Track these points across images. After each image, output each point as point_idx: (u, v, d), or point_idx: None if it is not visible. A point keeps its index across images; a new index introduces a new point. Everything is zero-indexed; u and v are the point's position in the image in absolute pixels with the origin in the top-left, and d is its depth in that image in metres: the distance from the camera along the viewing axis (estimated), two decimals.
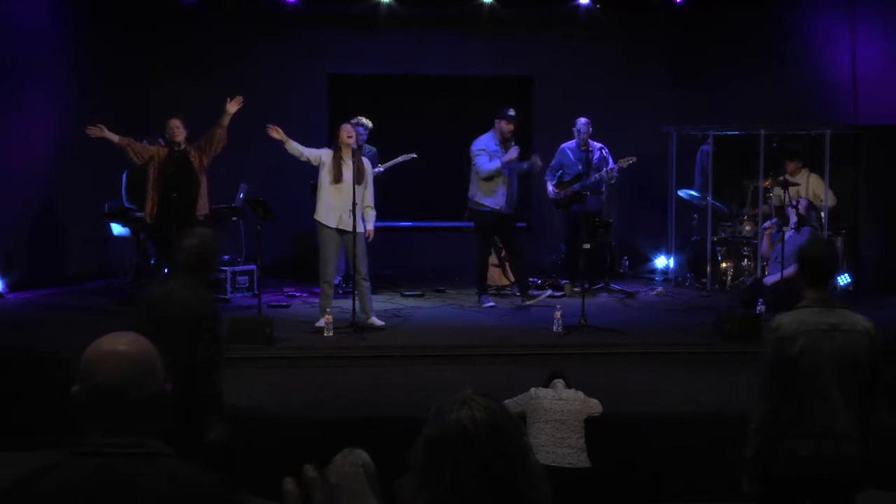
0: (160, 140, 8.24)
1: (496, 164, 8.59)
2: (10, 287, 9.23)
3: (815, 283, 3.88)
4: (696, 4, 10.97)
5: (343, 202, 7.69)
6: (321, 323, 7.62)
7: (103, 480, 1.95)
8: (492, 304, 8.89)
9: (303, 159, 7.92)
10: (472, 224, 9.04)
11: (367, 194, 7.93)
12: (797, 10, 10.75)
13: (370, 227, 7.92)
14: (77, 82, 10.10)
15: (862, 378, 3.78)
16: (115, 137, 7.97)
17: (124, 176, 9.12)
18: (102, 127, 7.96)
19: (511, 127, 8.69)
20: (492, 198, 8.69)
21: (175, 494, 1.97)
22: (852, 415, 3.75)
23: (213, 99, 9.44)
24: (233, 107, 8.03)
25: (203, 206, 8.17)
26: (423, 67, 11.38)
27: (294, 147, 7.86)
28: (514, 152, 8.62)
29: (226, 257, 9.64)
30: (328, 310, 7.71)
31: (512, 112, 8.74)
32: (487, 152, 8.65)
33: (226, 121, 8.05)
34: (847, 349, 3.76)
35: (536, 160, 8.95)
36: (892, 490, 5.45)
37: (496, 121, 8.75)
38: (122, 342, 2.07)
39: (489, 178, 8.65)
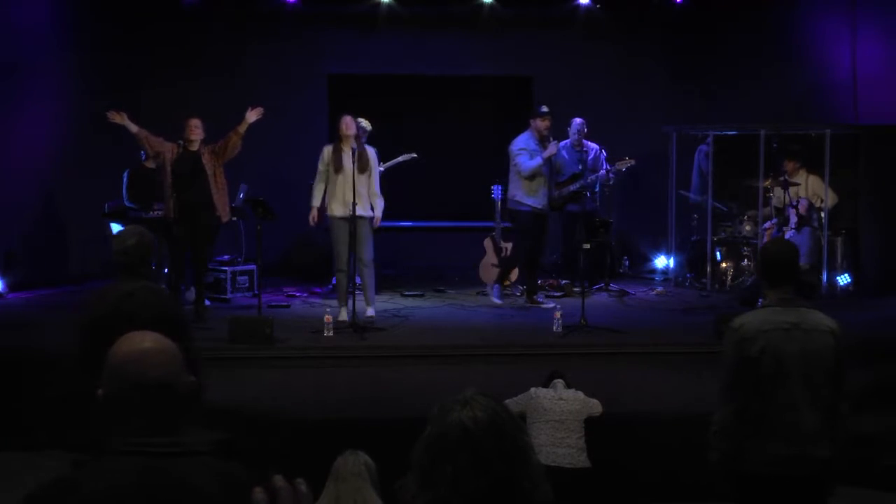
0: (180, 141, 8.19)
1: (538, 161, 8.57)
2: (10, 287, 9.24)
3: (777, 283, 3.86)
4: (696, 4, 10.97)
5: (344, 191, 7.77)
6: (343, 316, 7.79)
7: (153, 482, 1.95)
8: (552, 304, 8.59)
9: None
10: (509, 224, 9.01)
11: (372, 183, 8.00)
12: (797, 10, 10.75)
13: (378, 213, 8.00)
14: (77, 82, 10.10)
15: (827, 377, 3.75)
16: (133, 127, 7.98)
17: (125, 175, 9.11)
18: (124, 114, 7.96)
19: (547, 123, 8.69)
20: (534, 197, 8.68)
21: (225, 492, 1.97)
22: (818, 414, 3.73)
23: (214, 99, 9.48)
24: (252, 116, 8.09)
25: (224, 213, 8.19)
26: (423, 67, 11.38)
27: (321, 192, 7.98)
28: (553, 147, 8.62)
29: (226, 257, 9.65)
30: (329, 310, 7.78)
31: (545, 108, 8.77)
32: (528, 151, 8.62)
33: (243, 129, 8.10)
34: (810, 348, 3.73)
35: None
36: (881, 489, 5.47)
37: (531, 121, 8.75)
38: (150, 339, 2.08)
39: (531, 176, 8.61)
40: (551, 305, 8.50)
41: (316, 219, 8.03)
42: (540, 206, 8.72)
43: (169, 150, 8.06)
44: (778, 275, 3.87)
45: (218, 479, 1.98)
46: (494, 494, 1.91)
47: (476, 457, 1.91)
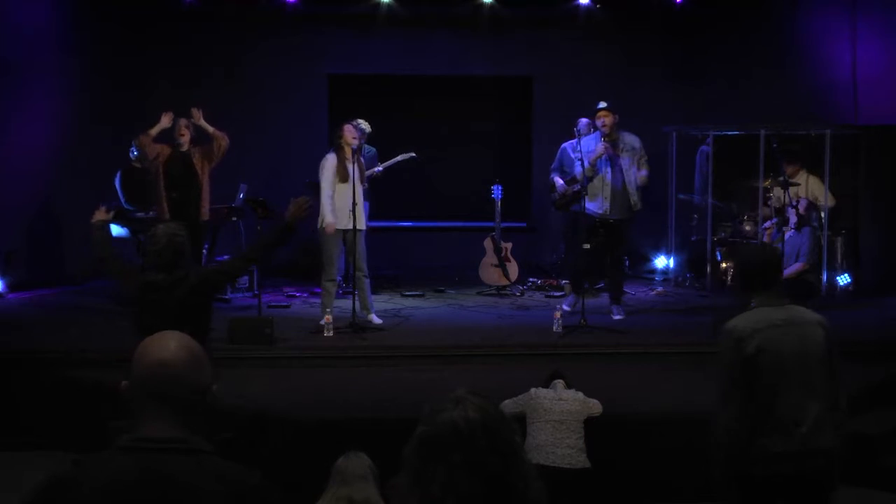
0: (175, 142, 8.19)
1: (577, 167, 8.23)
2: (10, 287, 9.24)
3: (761, 289, 3.94)
4: (696, 4, 10.97)
5: (346, 201, 7.69)
6: (323, 321, 7.61)
7: (153, 478, 1.95)
8: (567, 308, 8.26)
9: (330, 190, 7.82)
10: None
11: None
12: (797, 10, 10.74)
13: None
14: (77, 82, 10.10)
15: (823, 369, 3.83)
16: (155, 130, 7.98)
17: (118, 177, 9.12)
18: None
19: (603, 119, 8.08)
20: (592, 202, 8.27)
21: (225, 493, 1.96)
22: (817, 406, 3.79)
23: (214, 99, 9.46)
24: (198, 118, 8.03)
25: (205, 213, 8.18)
26: (423, 67, 11.38)
27: (329, 208, 7.78)
28: (599, 148, 8.07)
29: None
30: (328, 309, 7.71)
31: (600, 104, 8.17)
32: (575, 157, 8.30)
33: (210, 131, 8.04)
34: (804, 342, 3.82)
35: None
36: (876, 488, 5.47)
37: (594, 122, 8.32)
38: (174, 338, 2.10)
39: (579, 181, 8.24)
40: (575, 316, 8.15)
41: (332, 230, 7.76)
42: (600, 212, 8.23)
43: (161, 150, 8.06)
44: (759, 281, 3.95)
45: (218, 480, 1.98)
46: (487, 494, 1.91)
47: (468, 456, 1.92)
